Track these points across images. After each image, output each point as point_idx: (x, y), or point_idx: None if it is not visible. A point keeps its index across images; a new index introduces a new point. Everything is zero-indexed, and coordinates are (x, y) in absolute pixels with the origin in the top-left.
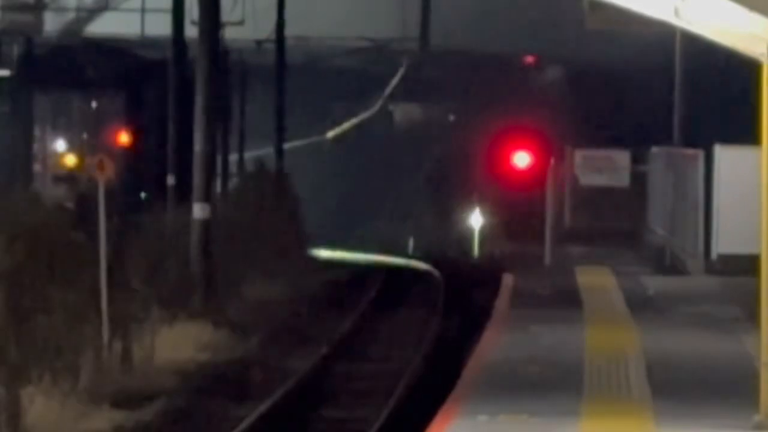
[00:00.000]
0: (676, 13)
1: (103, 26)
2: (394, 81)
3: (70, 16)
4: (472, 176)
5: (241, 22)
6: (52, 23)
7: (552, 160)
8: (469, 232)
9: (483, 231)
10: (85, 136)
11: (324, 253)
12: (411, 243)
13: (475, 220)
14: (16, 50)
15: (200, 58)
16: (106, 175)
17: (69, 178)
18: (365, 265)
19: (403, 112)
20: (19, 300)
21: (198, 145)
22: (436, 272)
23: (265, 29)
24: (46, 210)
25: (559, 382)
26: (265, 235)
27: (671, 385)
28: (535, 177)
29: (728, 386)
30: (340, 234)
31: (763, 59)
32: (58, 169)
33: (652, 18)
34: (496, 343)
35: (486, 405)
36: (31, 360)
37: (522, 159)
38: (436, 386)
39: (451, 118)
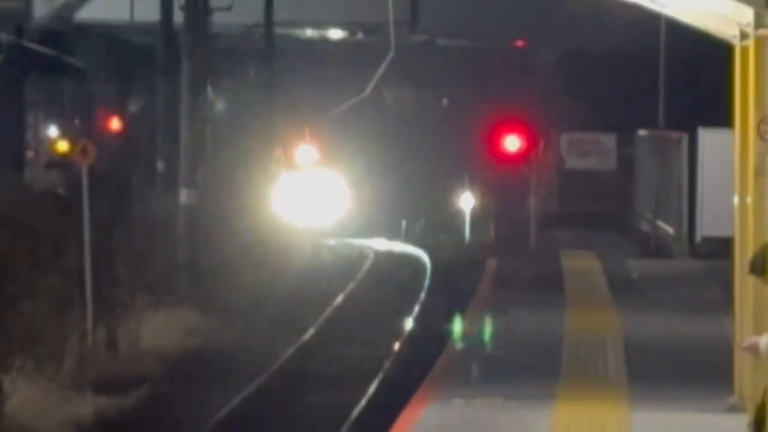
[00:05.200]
0: None
1: (93, 12)
2: (384, 65)
3: (60, 1)
4: (463, 160)
5: (229, 8)
6: (41, 9)
7: (541, 144)
8: (461, 216)
9: (474, 216)
10: (77, 122)
11: (315, 238)
12: (404, 226)
13: (466, 205)
14: (5, 37)
15: (186, 42)
16: (88, 160)
17: (61, 164)
18: (357, 250)
19: (395, 97)
20: (2, 286)
21: (184, 131)
22: (424, 255)
23: (254, 15)
24: (31, 196)
25: (537, 366)
26: (250, 220)
27: (649, 368)
28: (526, 160)
29: (706, 369)
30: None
31: (734, 41)
32: (51, 155)
33: (628, 1)
34: (474, 327)
35: (462, 388)
36: (14, 346)
37: (512, 143)
38: (416, 371)
39: (444, 102)
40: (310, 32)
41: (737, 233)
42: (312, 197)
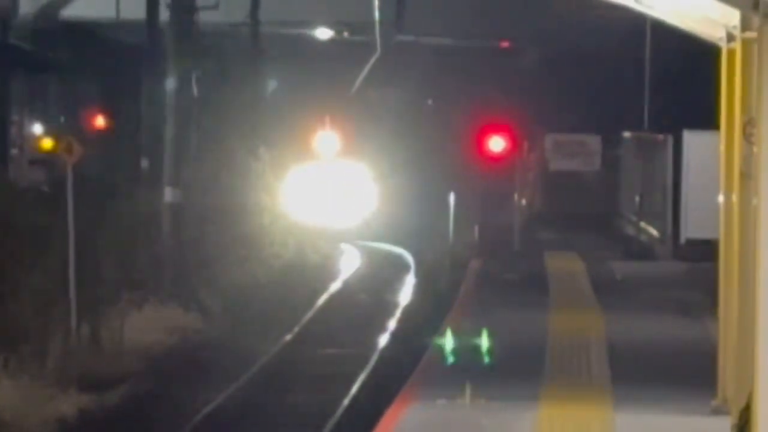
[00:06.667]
0: None
1: (78, 9)
2: (369, 65)
3: None
4: (446, 161)
5: (215, 6)
6: (26, 6)
7: (525, 145)
8: (445, 217)
9: (458, 217)
10: (62, 119)
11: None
12: (389, 228)
13: (450, 206)
14: None
15: (172, 41)
16: (74, 158)
17: (45, 161)
18: (341, 248)
19: (380, 97)
20: None
21: (169, 129)
22: (408, 255)
23: (241, 13)
24: (15, 193)
25: (520, 367)
26: (235, 219)
27: (632, 369)
28: (510, 161)
29: (689, 371)
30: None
31: (721, 44)
32: (35, 152)
33: (614, 2)
34: (458, 327)
35: (445, 389)
36: None
37: (496, 144)
38: (399, 371)
39: (429, 102)
40: (296, 31)
41: (722, 235)
42: (331, 192)
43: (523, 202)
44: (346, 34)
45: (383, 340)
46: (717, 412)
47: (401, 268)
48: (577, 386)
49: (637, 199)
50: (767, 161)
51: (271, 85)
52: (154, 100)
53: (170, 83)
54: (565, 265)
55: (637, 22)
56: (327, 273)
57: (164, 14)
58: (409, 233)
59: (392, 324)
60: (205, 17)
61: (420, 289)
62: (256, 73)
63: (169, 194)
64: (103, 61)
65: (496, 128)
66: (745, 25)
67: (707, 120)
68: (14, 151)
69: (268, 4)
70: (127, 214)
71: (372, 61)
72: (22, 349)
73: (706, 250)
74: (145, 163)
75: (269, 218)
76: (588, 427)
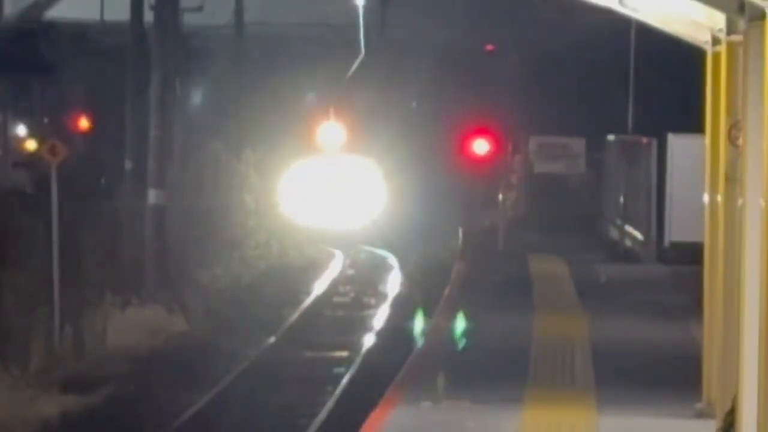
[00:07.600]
0: (621, 1)
1: (63, 11)
2: (353, 67)
3: (29, 0)
4: (432, 163)
5: (200, 8)
6: (11, 7)
7: (509, 148)
8: (429, 219)
9: (441, 218)
10: (45, 121)
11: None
12: (373, 230)
13: (435, 207)
14: None
15: (156, 42)
16: (58, 159)
17: (28, 163)
18: (324, 250)
19: (364, 100)
20: None
21: (153, 131)
22: (392, 258)
23: (225, 15)
24: None
25: (505, 369)
26: (219, 221)
27: (616, 372)
28: (494, 164)
29: (674, 374)
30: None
31: (707, 47)
32: (19, 154)
33: (599, 5)
34: (442, 330)
35: (430, 391)
36: None
37: (481, 146)
38: (383, 374)
39: (413, 105)
40: (280, 32)
41: (707, 238)
42: (335, 191)
43: (508, 204)
44: (329, 36)
45: (366, 344)
46: (702, 414)
47: (385, 270)
48: (561, 388)
49: (621, 201)
50: (752, 164)
51: (254, 85)
52: (137, 102)
53: (154, 85)
54: (549, 268)
55: (622, 25)
56: (312, 274)
57: (148, 16)
58: (393, 235)
59: (375, 328)
60: (189, 19)
61: (403, 291)
62: (239, 75)
63: (152, 196)
64: (87, 63)
65: (481, 131)
66: (730, 29)
67: (692, 123)
68: None
69: (251, 6)
70: (111, 215)
71: (355, 63)
72: (5, 350)
73: (690, 253)
74: (128, 164)
75: (253, 220)
76: (572, 430)
